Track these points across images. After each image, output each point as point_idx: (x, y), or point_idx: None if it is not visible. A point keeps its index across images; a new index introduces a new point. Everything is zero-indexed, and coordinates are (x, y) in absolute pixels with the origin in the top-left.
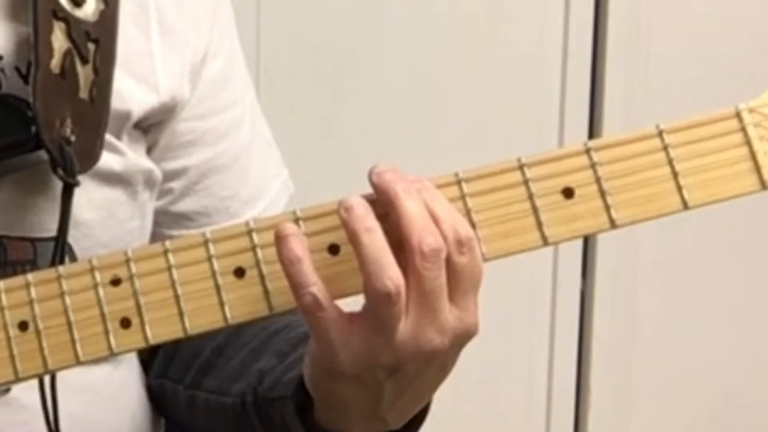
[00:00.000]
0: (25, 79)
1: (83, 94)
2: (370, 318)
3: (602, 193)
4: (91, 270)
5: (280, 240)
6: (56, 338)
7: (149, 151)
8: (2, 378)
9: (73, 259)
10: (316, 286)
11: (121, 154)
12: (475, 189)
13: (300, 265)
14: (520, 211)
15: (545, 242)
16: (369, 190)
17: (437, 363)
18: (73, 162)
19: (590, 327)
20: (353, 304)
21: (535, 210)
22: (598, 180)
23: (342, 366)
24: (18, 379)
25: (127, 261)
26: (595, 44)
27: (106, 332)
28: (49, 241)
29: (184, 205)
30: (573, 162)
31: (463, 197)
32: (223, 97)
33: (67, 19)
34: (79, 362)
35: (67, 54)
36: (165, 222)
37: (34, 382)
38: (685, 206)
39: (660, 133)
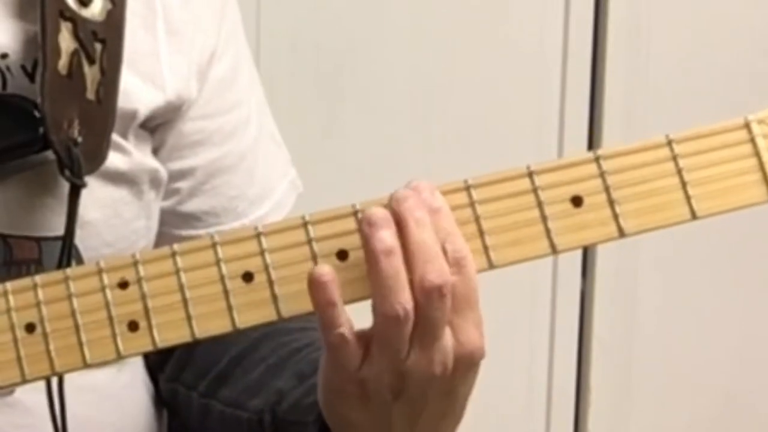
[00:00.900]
0: (30, 77)
1: (90, 94)
2: (377, 339)
3: (611, 203)
4: (99, 272)
5: (316, 284)
6: (63, 341)
7: (157, 151)
8: (9, 380)
9: (78, 258)
10: (345, 327)
11: (126, 154)
12: (484, 196)
13: (334, 308)
14: (529, 219)
15: (554, 250)
16: (369, 189)
17: (441, 388)
18: (80, 163)
19: (590, 327)
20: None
21: (543, 218)
22: (607, 189)
23: (351, 387)
24: (24, 381)
25: (135, 264)
26: (595, 44)
27: (114, 335)
28: (55, 241)
29: (191, 205)
30: (582, 170)
31: (472, 204)
32: (230, 97)
33: (74, 19)
34: (86, 365)
35: (74, 54)
36: (173, 222)
37: (38, 384)
38: (694, 216)
39: (669, 143)
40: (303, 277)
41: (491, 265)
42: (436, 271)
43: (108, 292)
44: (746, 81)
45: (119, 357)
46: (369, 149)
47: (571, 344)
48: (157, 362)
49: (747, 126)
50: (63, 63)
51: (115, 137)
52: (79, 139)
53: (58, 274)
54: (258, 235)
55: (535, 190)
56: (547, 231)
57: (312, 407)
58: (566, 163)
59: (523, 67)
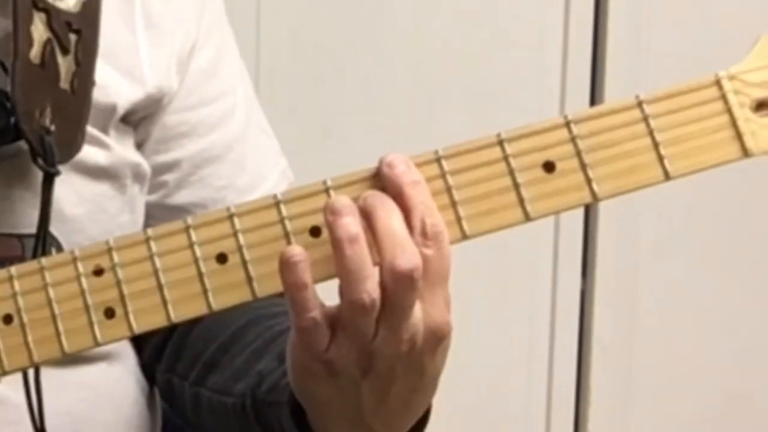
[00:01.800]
0: (7, 72)
1: (64, 84)
2: (344, 324)
3: (583, 167)
4: (74, 260)
5: (286, 265)
6: (41, 331)
7: (141, 144)
8: None
9: None
10: (317, 310)
11: (107, 149)
12: (456, 166)
13: (305, 291)
14: (502, 187)
15: (527, 218)
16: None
17: (410, 364)
18: (53, 151)
19: (590, 327)
20: None
21: (516, 186)
22: (578, 153)
23: (319, 366)
24: (4, 373)
25: (109, 250)
26: (595, 44)
27: (91, 323)
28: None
29: (179, 198)
30: (553, 135)
31: (443, 175)
32: (213, 87)
33: (48, 10)
34: (64, 354)
35: (47, 44)
36: (162, 215)
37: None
38: (667, 177)
39: (640, 104)
40: (277, 256)
41: (464, 236)
42: (406, 256)
43: (83, 280)
44: None
45: (97, 345)
46: (369, 149)
47: (571, 344)
48: (152, 356)
49: (718, 83)
50: (35, 52)
51: (96, 132)
52: (52, 128)
53: (33, 264)
54: (231, 216)
55: (506, 158)
56: (520, 199)
57: (288, 386)
58: (537, 129)
59: (523, 67)
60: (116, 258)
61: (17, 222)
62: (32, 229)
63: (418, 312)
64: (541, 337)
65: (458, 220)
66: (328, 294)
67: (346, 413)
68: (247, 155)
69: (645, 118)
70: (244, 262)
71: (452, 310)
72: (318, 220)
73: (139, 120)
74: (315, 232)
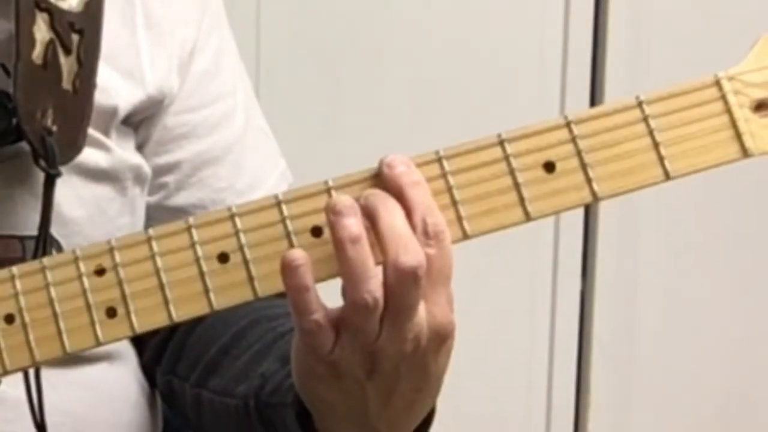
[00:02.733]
0: (9, 74)
1: (66, 84)
2: (348, 325)
3: (584, 167)
4: (75, 260)
5: (288, 269)
6: (43, 330)
7: (142, 146)
8: None
9: None
10: (319, 312)
11: (108, 151)
12: (456, 166)
13: (308, 293)
14: (502, 187)
15: (528, 218)
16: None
17: (414, 364)
18: (54, 152)
19: (590, 327)
20: None
21: (516, 185)
22: (579, 153)
23: (323, 368)
24: (6, 372)
25: (111, 250)
26: (595, 44)
27: (92, 323)
28: None
29: (179, 199)
30: (553, 136)
31: (444, 175)
32: (213, 89)
33: (50, 10)
34: (66, 353)
35: (49, 45)
36: (162, 217)
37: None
38: (667, 177)
39: (640, 104)
40: (278, 255)
41: (465, 235)
42: (411, 254)
43: (85, 279)
44: None
45: (98, 344)
46: (369, 149)
47: (571, 344)
48: (152, 357)
49: (717, 83)
50: (37, 53)
51: (97, 134)
52: (54, 129)
53: (34, 264)
54: (232, 216)
55: (506, 158)
56: (521, 198)
57: (292, 388)
58: (537, 129)
59: (523, 67)
60: (118, 257)
61: (18, 223)
62: (33, 231)
63: (421, 311)
64: (541, 337)
65: (459, 219)
66: (330, 292)
67: (351, 415)
68: (246, 157)
69: (645, 119)
70: (246, 262)
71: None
72: (319, 219)
73: (139, 121)
74: (316, 231)
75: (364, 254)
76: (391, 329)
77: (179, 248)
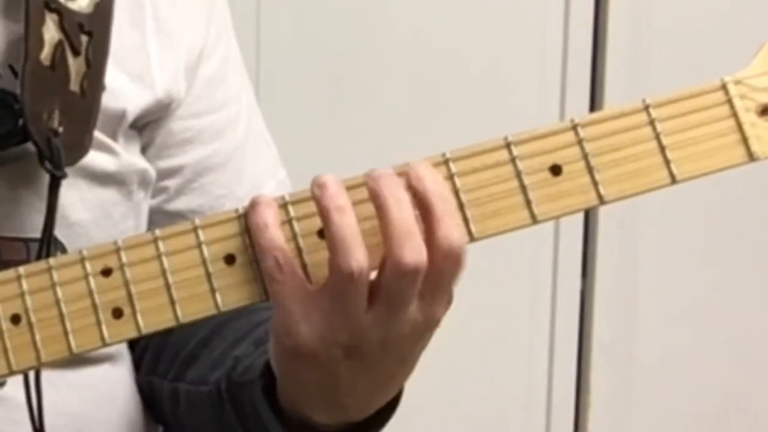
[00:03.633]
0: (17, 76)
1: (74, 86)
2: (331, 295)
3: (590, 170)
4: (81, 260)
5: (251, 207)
6: (49, 330)
7: (145, 149)
8: None
9: None
10: (279, 251)
11: (115, 155)
12: (463, 168)
13: (267, 230)
14: (509, 189)
15: (534, 220)
16: None
17: (397, 354)
18: (60, 154)
19: (590, 327)
20: None
21: (523, 188)
22: (585, 156)
23: (300, 338)
24: (12, 372)
25: (117, 250)
26: (595, 44)
27: (99, 323)
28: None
29: (179, 204)
30: (560, 139)
31: (451, 177)
32: (219, 95)
33: (60, 11)
34: (72, 354)
35: (58, 45)
36: (160, 221)
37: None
38: (673, 180)
39: (646, 108)
40: None
41: (472, 238)
42: (414, 251)
43: (91, 279)
44: None
45: (104, 344)
46: (369, 149)
47: (571, 344)
48: (133, 360)
49: (724, 87)
50: (46, 54)
51: (105, 138)
52: (60, 130)
53: (41, 264)
54: (239, 217)
55: (513, 161)
56: (527, 201)
57: (261, 366)
58: (544, 132)
59: (523, 67)
60: (124, 258)
61: (23, 226)
62: (37, 233)
63: (414, 307)
64: (541, 337)
65: (465, 221)
66: None
67: (322, 390)
68: (246, 165)
69: (651, 122)
70: (252, 262)
71: (452, 310)
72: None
73: (145, 125)
74: (323, 233)
75: (349, 221)
76: (379, 317)
77: (185, 248)
